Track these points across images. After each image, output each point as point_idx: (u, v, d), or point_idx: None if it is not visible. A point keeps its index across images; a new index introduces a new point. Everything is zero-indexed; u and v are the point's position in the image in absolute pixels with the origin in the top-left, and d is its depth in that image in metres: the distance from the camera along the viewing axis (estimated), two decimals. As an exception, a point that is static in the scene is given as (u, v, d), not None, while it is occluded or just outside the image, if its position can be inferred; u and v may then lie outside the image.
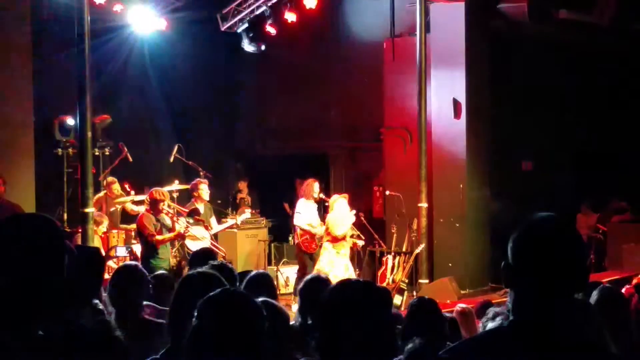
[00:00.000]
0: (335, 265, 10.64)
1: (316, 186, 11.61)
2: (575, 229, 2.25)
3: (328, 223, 10.79)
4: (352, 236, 11.11)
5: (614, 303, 4.36)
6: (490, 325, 4.42)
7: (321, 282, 4.89)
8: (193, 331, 2.57)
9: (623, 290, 7.54)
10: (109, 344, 2.44)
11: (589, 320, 3.76)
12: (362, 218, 11.72)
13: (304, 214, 11.51)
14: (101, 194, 12.19)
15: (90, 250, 2.51)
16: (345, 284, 2.89)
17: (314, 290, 4.63)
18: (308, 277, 5.22)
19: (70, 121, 12.34)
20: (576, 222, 14.39)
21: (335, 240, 10.70)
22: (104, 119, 13.07)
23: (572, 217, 14.36)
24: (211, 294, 2.67)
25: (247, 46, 13.98)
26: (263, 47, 14.05)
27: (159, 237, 9.56)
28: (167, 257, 9.85)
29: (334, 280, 9.94)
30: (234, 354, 2.54)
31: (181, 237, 10.01)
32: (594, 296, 4.32)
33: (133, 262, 5.32)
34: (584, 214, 14.52)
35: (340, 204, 10.84)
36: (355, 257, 12.34)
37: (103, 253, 10.31)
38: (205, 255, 6.27)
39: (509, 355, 2.12)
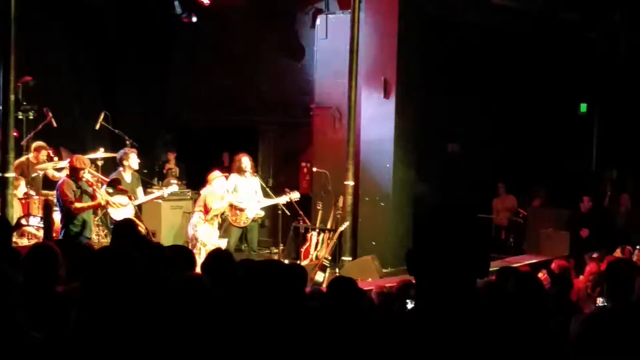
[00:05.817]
0: (205, 232, 10.76)
1: (245, 161, 11.52)
2: (475, 217, 2.26)
3: (205, 197, 10.89)
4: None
5: (529, 288, 4.46)
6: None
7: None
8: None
9: (539, 275, 7.75)
10: None
11: (502, 305, 3.85)
12: (290, 198, 11.72)
13: (231, 189, 11.47)
14: (23, 158, 11.90)
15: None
16: (256, 262, 2.86)
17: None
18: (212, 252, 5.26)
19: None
20: (492, 205, 14.77)
21: (207, 211, 10.78)
22: (27, 80, 12.67)
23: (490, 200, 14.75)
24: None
25: (179, 12, 13.76)
26: (195, 19, 13.86)
27: (77, 205, 9.37)
28: (89, 226, 9.67)
29: (201, 246, 10.39)
30: None
31: (101, 206, 9.84)
32: (511, 282, 4.41)
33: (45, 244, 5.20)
34: (500, 197, 14.87)
35: (219, 182, 10.99)
36: (280, 232, 12.36)
37: (15, 219, 10.08)
38: (128, 226, 6.21)
39: (411, 344, 2.12)
